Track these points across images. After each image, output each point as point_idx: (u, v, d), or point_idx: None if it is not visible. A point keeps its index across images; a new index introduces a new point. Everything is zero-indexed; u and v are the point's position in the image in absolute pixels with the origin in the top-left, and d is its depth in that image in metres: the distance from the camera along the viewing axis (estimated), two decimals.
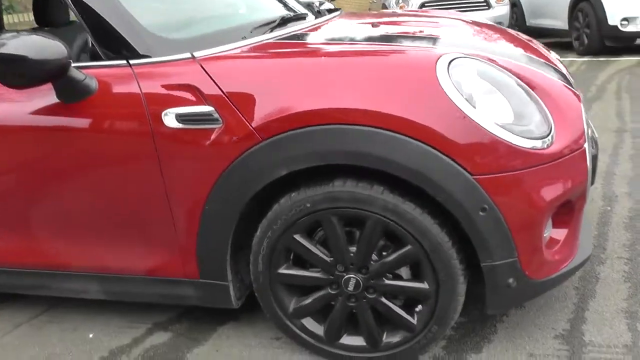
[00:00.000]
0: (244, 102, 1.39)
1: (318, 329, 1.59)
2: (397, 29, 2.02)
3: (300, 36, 1.77)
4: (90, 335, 1.90)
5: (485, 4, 7.46)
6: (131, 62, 1.51)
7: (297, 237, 1.47)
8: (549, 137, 1.40)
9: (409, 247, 1.41)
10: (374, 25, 2.00)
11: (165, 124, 1.44)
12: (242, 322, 1.87)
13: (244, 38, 1.66)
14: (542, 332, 1.68)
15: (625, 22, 6.15)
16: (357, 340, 1.58)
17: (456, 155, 1.31)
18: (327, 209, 1.41)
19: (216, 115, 1.41)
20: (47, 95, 1.53)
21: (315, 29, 1.92)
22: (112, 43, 1.53)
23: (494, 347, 1.63)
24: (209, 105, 1.41)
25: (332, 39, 1.85)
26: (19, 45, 1.39)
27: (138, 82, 1.47)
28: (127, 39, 1.52)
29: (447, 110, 1.32)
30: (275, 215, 1.46)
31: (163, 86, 1.46)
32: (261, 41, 1.64)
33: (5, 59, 1.39)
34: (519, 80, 1.45)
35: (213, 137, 1.42)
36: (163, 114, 1.44)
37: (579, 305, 1.78)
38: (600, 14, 6.33)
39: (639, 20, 6.10)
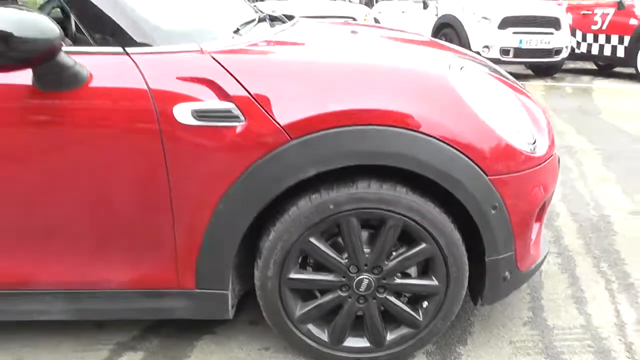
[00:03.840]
0: (270, 100, 1.32)
1: (321, 333, 1.56)
2: (378, 36, 2.08)
3: (301, 37, 1.75)
4: None
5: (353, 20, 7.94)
6: (128, 50, 1.35)
7: (313, 239, 1.44)
8: (535, 143, 1.56)
9: (424, 245, 1.46)
10: (353, 32, 2.04)
11: (178, 121, 1.31)
12: (220, 335, 1.76)
13: (238, 33, 1.59)
14: (512, 321, 1.84)
15: (486, 49, 7.00)
16: (361, 342, 1.58)
17: (476, 157, 1.40)
18: (351, 210, 1.40)
19: (237, 112, 1.32)
20: (18, 78, 1.30)
21: (302, 31, 1.90)
22: (102, 28, 1.35)
23: (477, 338, 1.75)
24: (229, 101, 1.32)
25: (332, 40, 1.86)
26: (3, 19, 1.17)
27: (142, 73, 1.32)
28: (121, 24, 1.35)
29: (467, 115, 1.41)
30: (293, 218, 1.40)
31: (174, 78, 1.32)
32: (263, 38, 1.58)
33: None
34: (513, 91, 1.60)
35: (234, 135, 1.32)
36: (175, 109, 1.31)
37: (533, 296, 1.99)
38: (464, 40, 7.14)
39: (497, 47, 6.99)
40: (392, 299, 1.52)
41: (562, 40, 6.78)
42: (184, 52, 1.37)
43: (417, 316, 1.54)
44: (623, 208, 2.78)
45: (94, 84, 1.32)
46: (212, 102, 1.32)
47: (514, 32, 6.68)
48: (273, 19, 2.11)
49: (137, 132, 1.33)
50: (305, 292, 1.56)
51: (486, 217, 1.44)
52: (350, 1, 9.03)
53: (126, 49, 1.35)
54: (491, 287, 1.56)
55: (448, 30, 7.37)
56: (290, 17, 2.11)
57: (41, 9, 2.16)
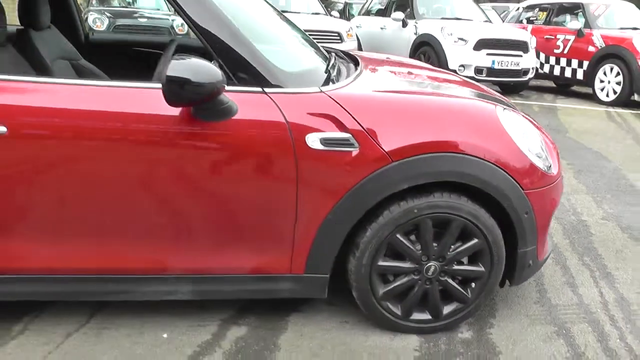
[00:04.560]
0: (377, 131, 1.80)
1: (395, 308, 2.04)
2: (434, 78, 2.58)
3: (381, 77, 2.23)
4: (165, 335, 2.02)
5: (338, 37, 8.47)
6: (266, 90, 1.78)
7: (399, 236, 1.92)
8: (550, 166, 2.10)
9: (476, 240, 1.97)
10: (409, 72, 2.55)
11: (309, 146, 1.76)
12: (306, 312, 2.20)
13: (329, 73, 2.04)
14: (525, 300, 2.39)
15: (462, 68, 7.67)
16: (423, 315, 2.07)
17: (516, 176, 1.92)
18: (428, 214, 1.89)
19: (353, 141, 1.78)
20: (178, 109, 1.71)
21: (377, 71, 2.39)
22: (245, 72, 1.78)
23: (501, 313, 2.28)
24: (347, 132, 1.78)
25: (411, 84, 2.36)
26: (184, 67, 1.59)
27: (280, 109, 1.76)
28: (260, 70, 1.79)
29: (510, 145, 1.94)
30: (387, 219, 1.88)
31: (305, 113, 1.78)
32: (355, 80, 2.04)
33: (171, 80, 1.58)
34: (532, 125, 2.14)
35: (350, 158, 1.79)
36: (307, 137, 1.76)
37: (537, 282, 2.54)
38: (442, 58, 7.79)
39: (472, 67, 7.67)
40: (450, 281, 2.03)
41: (529, 62, 7.56)
42: (308, 92, 1.82)
43: (467, 294, 2.05)
44: (595, 214, 3.41)
45: (241, 116, 1.75)
46: (335, 133, 1.78)
47: (488, 54, 7.39)
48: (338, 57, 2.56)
49: (276, 154, 1.77)
50: (383, 276, 2.04)
51: (521, 220, 1.97)
52: (331, 16, 9.54)
53: (264, 89, 1.79)
54: (520, 272, 2.09)
55: (427, 49, 8.01)
56: (349, 56, 2.58)
57: (163, 49, 2.53)
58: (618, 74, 7.08)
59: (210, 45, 1.78)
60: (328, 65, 2.18)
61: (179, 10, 1.76)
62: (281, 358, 1.93)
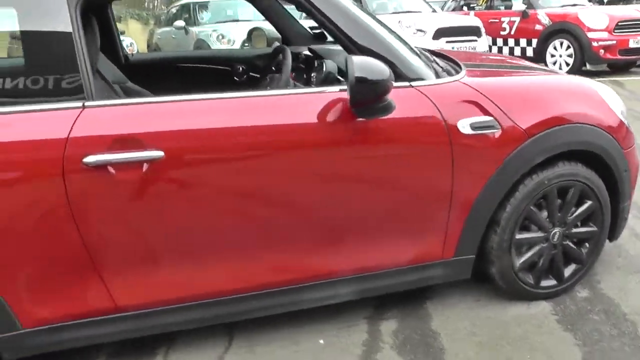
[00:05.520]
0: (514, 112, 1.93)
1: (529, 278, 2.17)
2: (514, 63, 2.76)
3: (486, 66, 2.43)
4: (321, 341, 2.03)
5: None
6: (413, 84, 1.86)
7: (532, 207, 2.06)
8: (630, 127, 2.34)
9: (590, 202, 2.16)
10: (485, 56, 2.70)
11: (461, 132, 1.86)
12: (438, 298, 2.25)
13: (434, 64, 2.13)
14: (609, 257, 2.58)
15: None
16: (549, 282, 2.22)
17: (618, 139, 2.14)
18: (555, 182, 2.05)
19: (495, 123, 1.90)
20: (336, 109, 1.76)
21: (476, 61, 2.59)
22: (391, 69, 1.79)
23: (598, 270, 2.45)
24: (489, 116, 1.90)
25: (511, 69, 2.52)
26: (364, 67, 1.63)
27: (431, 100, 1.84)
28: (401, 66, 1.86)
29: (609, 112, 2.15)
30: (523, 193, 2.02)
31: (454, 102, 1.87)
32: (467, 71, 2.14)
33: (359, 80, 1.62)
34: None
35: (494, 139, 1.91)
36: (458, 123, 1.85)
37: None
38: None
39: None
40: (571, 244, 2.20)
41: (483, 45, 8.03)
42: (449, 82, 1.92)
43: (583, 255, 2.23)
44: None
45: (400, 110, 1.80)
46: (481, 117, 1.89)
47: (447, 41, 7.76)
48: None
49: (434, 143, 1.85)
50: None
51: (622, 178, 2.19)
52: None
53: (411, 83, 1.85)
54: (620, 226, 2.31)
55: None
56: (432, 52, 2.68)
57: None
58: (568, 47, 7.73)
59: (357, 47, 1.81)
60: (427, 58, 2.27)
61: (327, 21, 1.79)
62: (446, 342, 2.01)
